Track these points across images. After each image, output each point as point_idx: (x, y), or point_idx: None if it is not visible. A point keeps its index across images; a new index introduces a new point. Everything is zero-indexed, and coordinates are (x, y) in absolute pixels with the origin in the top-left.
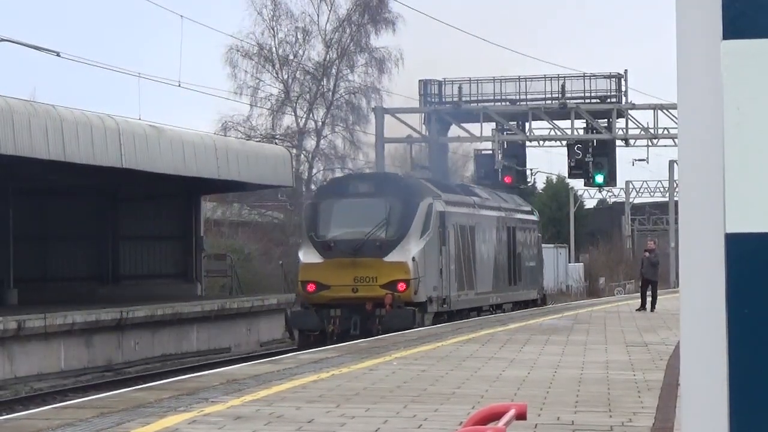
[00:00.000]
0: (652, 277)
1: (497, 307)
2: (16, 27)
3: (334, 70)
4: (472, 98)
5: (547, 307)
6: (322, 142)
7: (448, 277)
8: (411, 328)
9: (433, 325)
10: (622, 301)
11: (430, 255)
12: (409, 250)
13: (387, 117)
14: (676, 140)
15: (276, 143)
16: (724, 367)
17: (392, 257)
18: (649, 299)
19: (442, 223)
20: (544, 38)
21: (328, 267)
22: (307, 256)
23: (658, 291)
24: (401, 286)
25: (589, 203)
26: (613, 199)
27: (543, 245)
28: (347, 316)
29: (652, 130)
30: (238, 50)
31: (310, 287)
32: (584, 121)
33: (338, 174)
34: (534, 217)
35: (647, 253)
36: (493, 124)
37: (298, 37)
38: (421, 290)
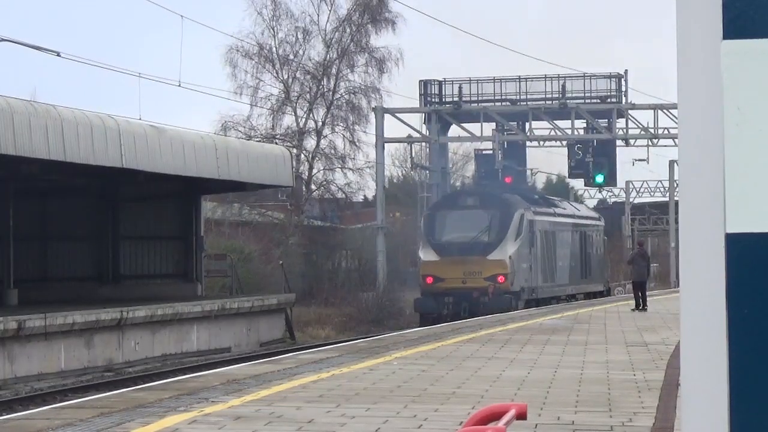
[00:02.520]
0: (636, 278)
1: (572, 297)
2: (16, 27)
3: (334, 70)
4: (472, 98)
5: (547, 306)
6: (322, 142)
7: (535, 271)
8: (509, 311)
9: (525, 309)
10: (622, 301)
11: (522, 254)
12: (507, 250)
13: (387, 117)
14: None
15: (276, 143)
16: (724, 367)
17: (493, 256)
18: (646, 298)
19: (531, 228)
20: (544, 38)
21: (443, 264)
22: (427, 255)
23: (648, 291)
24: (501, 279)
25: (590, 203)
26: (613, 199)
27: None
28: (458, 302)
29: (652, 130)
30: (238, 50)
31: (429, 280)
32: (584, 121)
33: (338, 173)
34: (600, 223)
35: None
36: (493, 124)
37: (298, 36)
38: (516, 282)
